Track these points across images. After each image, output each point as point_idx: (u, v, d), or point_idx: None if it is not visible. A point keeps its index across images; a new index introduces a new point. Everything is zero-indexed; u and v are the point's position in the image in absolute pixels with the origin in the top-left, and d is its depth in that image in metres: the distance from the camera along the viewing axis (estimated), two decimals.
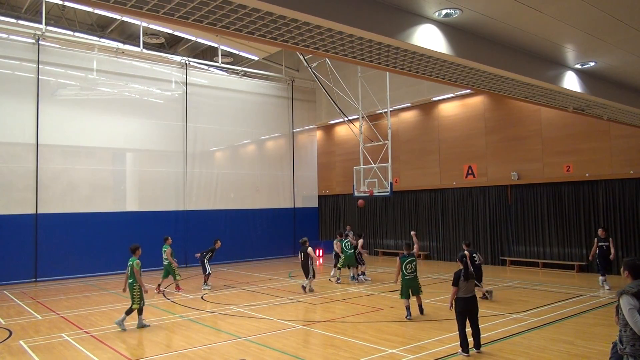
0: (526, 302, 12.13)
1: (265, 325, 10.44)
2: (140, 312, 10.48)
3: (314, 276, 14.30)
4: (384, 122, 21.15)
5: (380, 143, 20.42)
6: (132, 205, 20.95)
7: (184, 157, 22.03)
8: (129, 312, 10.45)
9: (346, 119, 22.76)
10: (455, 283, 8.07)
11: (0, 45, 17.94)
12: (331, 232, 26.77)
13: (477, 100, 20.40)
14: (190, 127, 22.20)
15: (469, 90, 18.96)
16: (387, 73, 20.11)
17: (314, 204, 27.28)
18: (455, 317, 8.21)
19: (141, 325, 10.40)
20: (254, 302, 13.02)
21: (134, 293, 10.46)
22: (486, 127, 20.07)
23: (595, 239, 14.44)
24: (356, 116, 22.35)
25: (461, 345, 7.96)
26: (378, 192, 19.69)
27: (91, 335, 9.83)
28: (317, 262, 20.45)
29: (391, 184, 19.37)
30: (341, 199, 26.38)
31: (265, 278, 17.53)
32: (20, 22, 19.92)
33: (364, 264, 16.79)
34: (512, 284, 15.15)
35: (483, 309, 11.29)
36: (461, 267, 8.20)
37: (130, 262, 10.75)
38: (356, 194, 20.44)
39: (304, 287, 14.39)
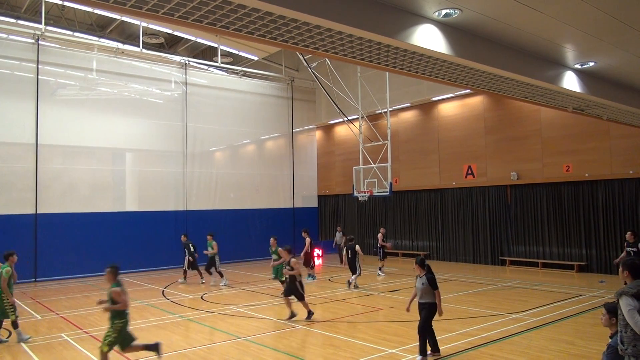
0: (526, 302, 12.13)
1: (264, 325, 10.44)
2: (15, 325, 9.38)
3: (360, 273, 14.82)
4: (384, 122, 21.15)
5: (380, 143, 20.43)
6: (131, 205, 20.93)
7: (183, 157, 22.03)
8: (14, 325, 9.42)
9: (346, 119, 22.77)
10: (437, 286, 7.79)
11: (0, 45, 17.93)
12: (331, 232, 26.76)
13: (477, 100, 20.41)
14: (189, 127, 22.19)
15: (468, 90, 18.95)
16: (387, 73, 20.12)
17: (314, 204, 27.28)
18: (428, 323, 7.81)
19: (21, 340, 9.32)
20: (253, 302, 13.02)
21: (3, 304, 9.26)
22: (486, 127, 20.07)
23: (626, 243, 13.41)
24: (356, 116, 22.36)
25: (433, 348, 7.90)
26: (378, 192, 19.70)
27: (90, 335, 9.82)
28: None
29: (391, 184, 19.38)
30: (341, 199, 26.38)
31: (265, 278, 17.52)
32: (19, 22, 19.91)
33: (384, 258, 18.00)
34: (511, 283, 15.15)
35: (482, 309, 11.32)
36: (424, 271, 7.84)
37: (0, 270, 9.32)
38: (356, 194, 20.45)
39: (349, 283, 14.78)
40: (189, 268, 16.76)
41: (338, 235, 21.69)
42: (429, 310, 7.75)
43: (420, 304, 7.86)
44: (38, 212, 18.11)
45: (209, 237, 16.31)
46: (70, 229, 18.64)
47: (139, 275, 19.07)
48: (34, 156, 18.14)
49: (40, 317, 11.74)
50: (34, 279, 17.77)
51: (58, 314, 12.03)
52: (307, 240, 16.70)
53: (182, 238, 17.21)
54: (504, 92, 10.46)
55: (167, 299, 13.84)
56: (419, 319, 7.87)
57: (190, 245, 16.71)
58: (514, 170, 18.97)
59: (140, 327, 10.47)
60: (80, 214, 19.05)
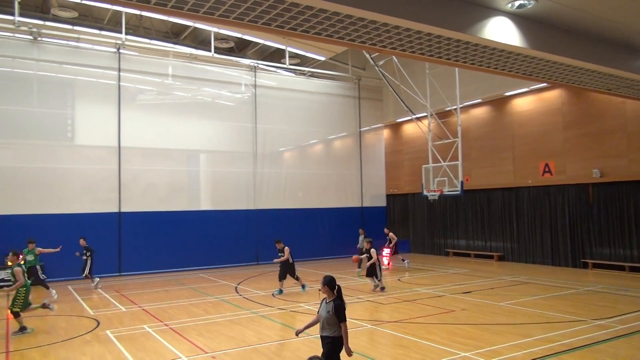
0: (612, 308, 11.37)
1: None
2: None
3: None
4: (454, 119, 20.62)
5: (450, 141, 19.95)
6: (206, 204, 21.83)
7: (253, 158, 22.63)
8: None
9: (414, 116, 22.43)
10: (345, 318, 5.96)
11: (86, 55, 19.32)
12: (400, 231, 26.47)
13: (554, 94, 19.37)
14: (259, 128, 22.77)
15: (544, 84, 18.06)
16: (457, 69, 19.60)
17: (382, 203, 27.08)
18: None
19: None
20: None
21: None
22: (564, 122, 19.01)
23: None
24: (424, 114, 21.99)
25: None
26: (448, 191, 19.26)
27: (170, 328, 10.33)
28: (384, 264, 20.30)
29: (462, 182, 18.88)
30: (410, 198, 26.01)
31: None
32: (103, 32, 21.27)
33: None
34: (595, 288, 14.25)
35: (563, 314, 10.74)
36: (333, 295, 6.06)
37: None
38: (425, 193, 20.08)
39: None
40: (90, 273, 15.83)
41: (360, 238, 20.49)
42: (332, 347, 5.89)
43: (322, 338, 6.02)
44: (121, 210, 19.32)
45: (30, 245, 14.19)
46: (149, 226, 19.74)
47: (212, 271, 19.81)
48: (117, 158, 19.38)
49: (124, 309, 12.50)
50: (118, 273, 18.98)
51: (140, 307, 12.75)
52: (286, 249, 14.34)
53: (82, 242, 15.75)
54: (584, 84, 9.88)
55: (240, 295, 14.27)
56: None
57: (90, 250, 15.90)
58: (596, 167, 17.82)
59: (215, 322, 10.88)
60: (159, 212, 20.10)
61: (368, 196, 26.34)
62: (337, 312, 5.83)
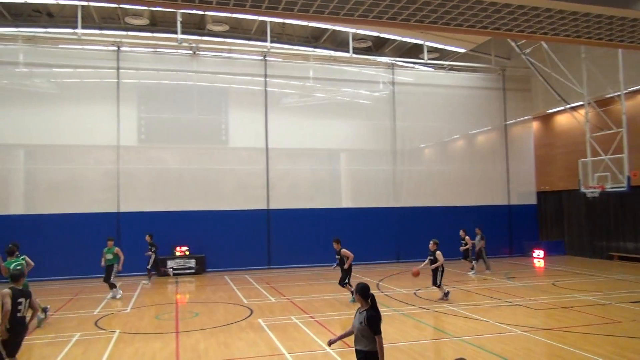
0: None
1: (481, 327, 10.04)
2: None
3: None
4: (617, 106, 18.42)
5: (613, 131, 17.91)
6: (346, 202, 22.36)
7: (392, 155, 22.60)
8: None
9: (567, 106, 20.50)
10: (380, 330, 5.36)
11: (237, 65, 21.09)
12: (553, 231, 24.38)
13: None
14: (398, 126, 22.68)
15: None
16: (620, 50, 17.47)
17: (532, 200, 25.15)
18: None
19: None
20: (468, 302, 12.64)
21: None
22: None
23: None
24: (580, 102, 20.02)
25: None
26: (611, 188, 17.28)
27: (315, 320, 10.78)
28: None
29: (628, 177, 16.83)
30: (564, 195, 23.76)
31: (480, 278, 16.87)
32: (251, 42, 22.95)
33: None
34: None
35: None
36: (367, 304, 5.55)
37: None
38: (583, 189, 18.25)
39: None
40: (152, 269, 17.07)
41: (477, 238, 18.60)
42: None
43: (356, 352, 5.48)
44: (270, 207, 20.66)
45: (109, 243, 13.89)
46: (295, 222, 20.83)
47: (354, 267, 20.14)
48: (264, 159, 20.78)
49: (274, 300, 13.36)
50: (268, 266, 20.34)
51: (288, 299, 13.50)
52: (347, 252, 13.43)
53: (147, 238, 16.85)
54: None
55: (382, 292, 14.35)
56: None
57: (154, 246, 16.77)
58: None
59: None
60: (303, 209, 21.10)
61: (515, 193, 24.66)
62: (369, 324, 5.32)
